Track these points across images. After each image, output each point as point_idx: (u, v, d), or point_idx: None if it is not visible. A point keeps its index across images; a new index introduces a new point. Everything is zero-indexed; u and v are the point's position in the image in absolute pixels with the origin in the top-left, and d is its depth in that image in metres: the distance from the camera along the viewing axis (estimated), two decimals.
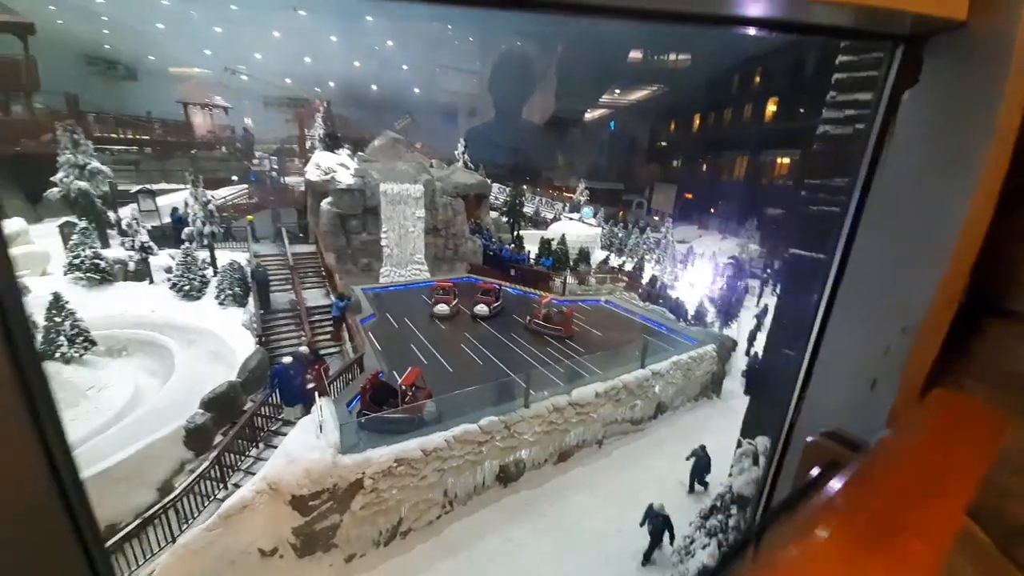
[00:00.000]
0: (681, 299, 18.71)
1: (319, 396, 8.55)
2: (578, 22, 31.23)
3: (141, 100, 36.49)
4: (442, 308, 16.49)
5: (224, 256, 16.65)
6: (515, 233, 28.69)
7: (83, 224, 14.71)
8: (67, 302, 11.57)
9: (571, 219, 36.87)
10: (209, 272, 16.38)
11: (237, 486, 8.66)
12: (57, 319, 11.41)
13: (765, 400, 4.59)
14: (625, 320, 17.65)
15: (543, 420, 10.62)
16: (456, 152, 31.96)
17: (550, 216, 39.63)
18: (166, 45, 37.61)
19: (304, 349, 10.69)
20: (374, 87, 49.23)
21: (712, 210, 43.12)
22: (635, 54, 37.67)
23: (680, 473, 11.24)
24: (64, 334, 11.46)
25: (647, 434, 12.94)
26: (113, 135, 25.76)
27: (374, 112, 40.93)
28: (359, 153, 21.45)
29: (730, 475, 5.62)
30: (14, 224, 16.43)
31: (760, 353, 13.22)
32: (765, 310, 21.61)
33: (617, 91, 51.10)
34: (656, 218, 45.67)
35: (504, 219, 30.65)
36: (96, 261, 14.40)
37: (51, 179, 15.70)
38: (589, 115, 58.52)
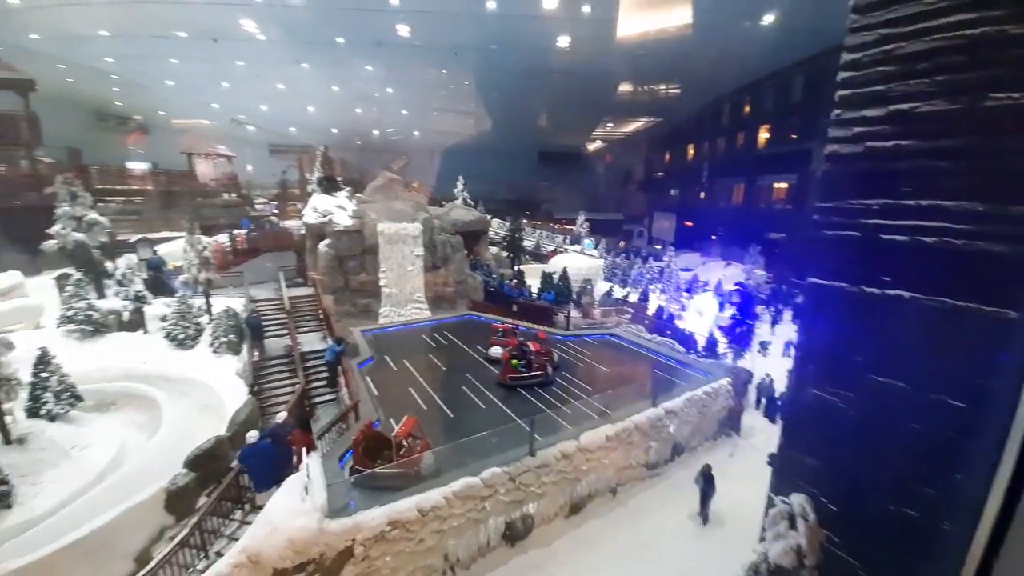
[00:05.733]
0: (690, 330, 18.02)
1: (306, 453, 7.89)
2: (570, 58, 32.14)
3: (151, 152, 38.04)
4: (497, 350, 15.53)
5: (221, 303, 16.35)
6: (516, 268, 28.43)
7: (78, 276, 14.53)
8: (53, 357, 11.15)
9: (572, 251, 36.72)
10: (204, 320, 16.04)
11: (220, 554, 7.91)
12: (43, 375, 10.98)
13: (798, 451, 4.01)
14: (633, 354, 16.95)
15: (551, 469, 9.84)
16: (455, 190, 32.38)
17: (551, 248, 39.55)
18: (175, 100, 39.33)
19: (280, 416, 9.71)
20: (375, 132, 50.82)
21: (713, 237, 42.95)
22: (625, 87, 38.56)
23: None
24: (51, 390, 11.00)
25: (664, 478, 12.02)
26: (117, 186, 26.24)
27: (375, 155, 41.97)
28: (357, 195, 21.55)
29: (762, 539, 4.86)
30: (9, 278, 16.29)
31: (783, 391, 12.46)
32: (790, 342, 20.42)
33: (611, 124, 52.34)
34: (658, 247, 45.48)
35: (504, 254, 30.51)
36: (90, 312, 14.09)
37: (47, 231, 15.65)
38: (585, 148, 59.84)
